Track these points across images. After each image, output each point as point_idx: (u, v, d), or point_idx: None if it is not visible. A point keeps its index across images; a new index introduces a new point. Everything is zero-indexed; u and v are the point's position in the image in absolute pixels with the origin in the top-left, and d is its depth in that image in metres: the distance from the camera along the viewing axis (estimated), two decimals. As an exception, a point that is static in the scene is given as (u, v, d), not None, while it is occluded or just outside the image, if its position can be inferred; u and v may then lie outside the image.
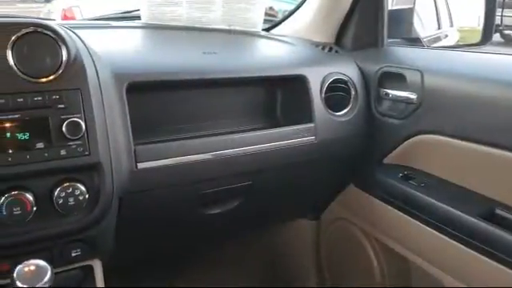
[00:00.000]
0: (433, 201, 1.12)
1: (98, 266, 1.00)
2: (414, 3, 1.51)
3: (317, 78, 1.22)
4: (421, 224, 1.15)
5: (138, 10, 1.45)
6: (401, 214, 1.22)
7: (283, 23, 1.57)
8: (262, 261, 1.83)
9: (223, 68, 1.15)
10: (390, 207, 1.26)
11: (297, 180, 1.33)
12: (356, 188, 1.41)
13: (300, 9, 1.50)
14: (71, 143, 0.86)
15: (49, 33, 0.86)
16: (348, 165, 1.38)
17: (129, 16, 1.57)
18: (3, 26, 0.85)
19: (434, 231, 1.11)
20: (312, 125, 1.20)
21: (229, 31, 1.47)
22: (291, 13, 1.54)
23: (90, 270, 0.99)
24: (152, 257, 1.52)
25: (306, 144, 1.19)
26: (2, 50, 0.83)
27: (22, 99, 0.83)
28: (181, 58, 1.17)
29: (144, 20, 1.40)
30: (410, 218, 1.19)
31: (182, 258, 1.68)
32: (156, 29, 1.41)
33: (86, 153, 0.88)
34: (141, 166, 0.98)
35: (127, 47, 1.24)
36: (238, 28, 1.47)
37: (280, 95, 1.27)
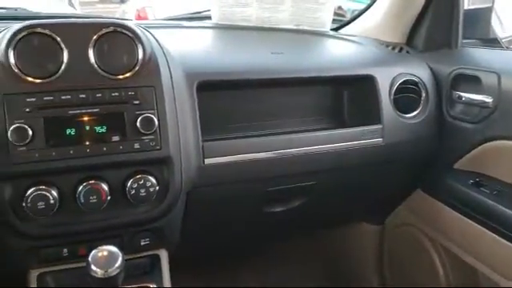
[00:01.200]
0: (506, 210, 1.06)
1: (164, 256, 1.04)
2: (493, 2, 1.44)
3: (386, 78, 1.20)
4: (492, 234, 1.10)
5: (209, 10, 1.49)
6: (471, 221, 1.17)
7: (352, 23, 1.55)
8: (321, 262, 1.82)
9: (290, 68, 1.16)
10: (459, 214, 1.21)
11: (362, 182, 1.31)
12: (423, 193, 1.36)
13: (371, 8, 1.47)
14: (144, 137, 0.90)
15: (127, 32, 0.91)
16: (416, 169, 1.34)
17: (200, 16, 1.62)
18: (86, 26, 0.92)
19: (507, 242, 1.06)
20: (380, 126, 1.17)
21: (297, 31, 1.47)
22: (361, 12, 1.52)
23: (156, 259, 1.04)
24: (215, 251, 1.55)
25: (372, 146, 1.17)
26: (84, 48, 0.88)
27: (100, 94, 0.88)
28: (249, 58, 1.19)
29: (215, 20, 1.44)
30: (480, 227, 1.13)
31: (242, 254, 1.71)
32: (226, 29, 1.44)
33: (158, 147, 0.92)
34: (208, 161, 1.01)
35: (198, 47, 1.28)
36: (306, 28, 1.47)
37: (347, 95, 1.25)
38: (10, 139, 0.82)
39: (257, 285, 1.66)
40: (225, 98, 1.13)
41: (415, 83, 1.23)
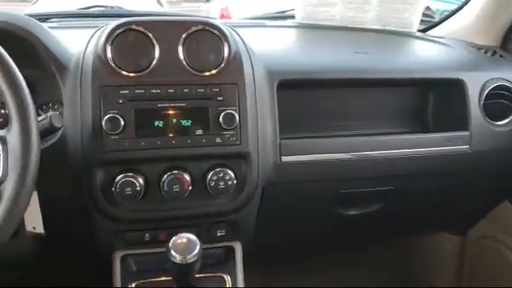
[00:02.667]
0: None
1: (238, 248, 1.07)
2: None
3: (476, 83, 1.14)
4: None
5: (293, 9, 1.50)
6: None
7: (442, 24, 1.48)
8: (393, 271, 1.76)
9: (374, 68, 1.14)
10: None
11: (444, 191, 1.25)
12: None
13: (463, 8, 1.40)
14: (225, 133, 0.93)
15: (215, 31, 0.95)
16: (504, 179, 1.26)
17: (283, 16, 1.64)
18: (176, 24, 0.96)
19: None
20: (467, 133, 1.12)
21: (382, 31, 1.44)
22: (452, 13, 1.45)
23: (231, 251, 1.07)
24: (285, 249, 1.56)
25: (458, 153, 1.11)
26: (174, 45, 0.93)
27: (187, 90, 0.93)
28: (331, 57, 1.18)
29: (298, 19, 1.45)
30: None
31: (312, 255, 1.70)
32: (309, 28, 1.44)
33: (238, 142, 0.94)
34: (284, 159, 1.02)
35: (281, 46, 1.29)
36: (391, 28, 1.43)
37: (432, 99, 1.20)
38: (104, 128, 0.88)
39: (323, 285, 1.65)
40: (305, 96, 1.14)
41: (508, 89, 1.15)
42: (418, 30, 1.48)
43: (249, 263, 1.10)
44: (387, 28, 1.44)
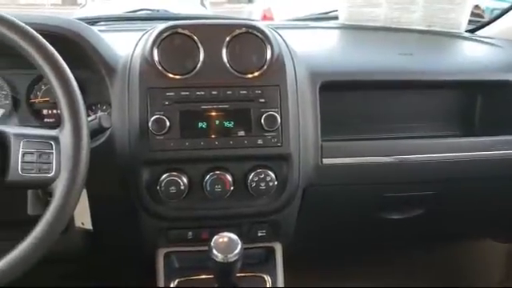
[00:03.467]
0: None
1: (279, 249, 1.08)
2: None
3: None
4: None
5: (336, 10, 1.50)
6: None
7: (492, 24, 1.43)
8: (435, 278, 1.72)
9: (418, 70, 1.12)
10: None
11: (490, 196, 1.21)
12: None
13: (515, 7, 1.35)
14: (267, 134, 0.94)
15: (258, 33, 0.96)
16: None
17: (326, 17, 1.64)
18: (221, 27, 0.98)
19: None
20: None
21: (427, 32, 1.41)
22: (504, 11, 1.40)
23: (271, 251, 1.08)
24: (325, 251, 1.55)
25: (507, 158, 1.07)
26: (218, 47, 0.95)
27: (230, 92, 0.94)
28: (375, 59, 1.17)
29: (341, 20, 1.44)
30: None
31: (351, 258, 1.68)
32: (352, 29, 1.43)
33: (279, 144, 0.95)
34: (326, 161, 1.02)
35: (323, 47, 1.29)
36: (437, 29, 1.40)
37: (480, 102, 1.17)
38: (151, 128, 0.91)
39: None
40: (347, 98, 1.13)
41: None
42: (466, 31, 1.44)
43: (289, 264, 1.11)
44: (433, 29, 1.40)
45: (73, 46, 0.96)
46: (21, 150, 0.71)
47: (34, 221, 0.71)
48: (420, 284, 1.67)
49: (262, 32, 0.96)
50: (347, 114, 1.13)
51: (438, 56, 1.26)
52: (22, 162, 0.70)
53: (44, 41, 0.74)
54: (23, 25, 0.73)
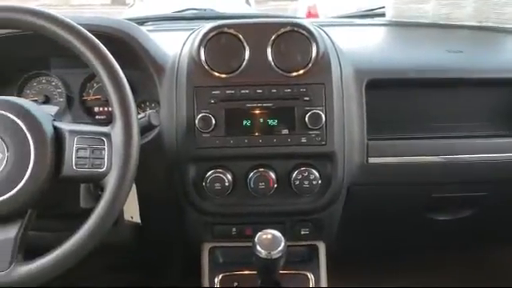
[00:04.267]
0: None
1: (322, 248, 1.08)
2: None
3: None
4: None
5: (382, 7, 1.47)
6: None
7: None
8: (485, 282, 1.66)
9: (469, 67, 1.08)
10: None
11: None
12: None
13: None
14: (311, 132, 0.95)
15: (303, 32, 0.96)
16: None
17: (372, 14, 1.61)
18: (266, 26, 0.99)
19: None
20: None
21: (478, 28, 1.36)
22: None
23: (315, 250, 1.08)
24: (368, 250, 1.54)
25: None
26: (263, 46, 0.96)
27: (275, 90, 0.95)
28: (423, 56, 1.14)
29: (388, 17, 1.42)
30: None
31: (396, 258, 1.65)
32: (399, 26, 1.41)
33: (323, 142, 0.95)
34: (371, 160, 1.01)
35: (370, 44, 1.27)
36: (490, 24, 1.35)
37: None
38: (197, 126, 0.94)
39: None
40: (394, 97, 1.11)
41: None
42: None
43: (332, 262, 1.10)
44: (484, 24, 1.35)
45: (123, 46, 0.99)
46: (75, 145, 0.74)
47: (85, 213, 0.74)
48: (463, 285, 1.62)
49: (308, 30, 0.96)
50: (393, 112, 1.11)
51: (489, 53, 1.22)
52: (76, 157, 0.74)
53: (97, 41, 0.77)
54: (78, 26, 0.76)
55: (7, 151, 0.72)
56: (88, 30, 0.77)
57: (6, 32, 0.97)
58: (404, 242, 1.41)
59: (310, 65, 0.95)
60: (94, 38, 0.77)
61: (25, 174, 0.71)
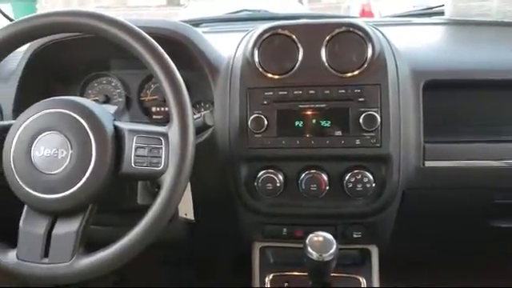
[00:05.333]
0: None
1: (375, 252, 1.06)
2: None
3: None
4: None
5: (441, 5, 1.42)
6: None
7: None
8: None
9: None
10: None
11: None
12: None
13: None
14: (365, 134, 0.93)
15: (358, 32, 0.95)
16: None
17: (430, 12, 1.56)
18: (320, 27, 0.98)
19: None
20: None
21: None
22: None
23: (367, 254, 1.06)
24: (423, 256, 1.49)
25: None
26: (317, 47, 0.95)
27: (328, 91, 0.94)
28: (484, 57, 1.09)
29: (447, 16, 1.37)
30: None
31: (453, 265, 1.60)
32: (459, 25, 1.35)
33: (378, 145, 0.93)
34: (428, 164, 0.98)
35: (428, 44, 1.23)
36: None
37: None
38: (250, 127, 0.95)
39: None
40: (453, 98, 1.07)
41: None
42: None
43: (385, 266, 1.08)
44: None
45: (180, 47, 1.02)
46: (134, 144, 0.77)
47: (142, 209, 0.77)
48: None
49: (363, 30, 0.95)
50: (451, 114, 1.07)
51: None
52: (135, 155, 0.76)
53: (155, 43, 0.79)
54: (138, 29, 0.79)
55: (71, 149, 0.75)
56: (147, 33, 0.80)
57: (71, 35, 1.02)
58: (460, 247, 1.36)
59: (366, 65, 0.94)
60: (152, 40, 0.79)
61: (87, 171, 0.74)
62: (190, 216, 1.00)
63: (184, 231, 1.09)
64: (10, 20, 1.36)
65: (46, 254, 0.77)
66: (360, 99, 0.93)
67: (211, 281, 1.53)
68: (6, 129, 0.79)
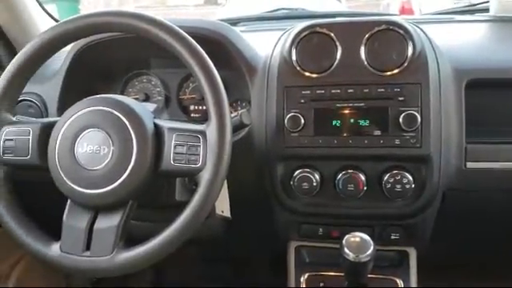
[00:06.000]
0: None
1: (413, 254, 1.04)
2: None
3: None
4: None
5: (486, 2, 1.38)
6: None
7: None
8: None
9: None
10: None
11: None
12: None
13: None
14: (405, 134, 0.91)
15: (398, 30, 0.93)
16: None
17: (474, 9, 1.51)
18: (360, 25, 0.97)
19: None
20: None
21: None
22: None
23: (405, 256, 1.04)
24: (463, 259, 1.45)
25: None
26: (356, 45, 0.94)
27: (367, 90, 0.93)
28: None
29: (492, 13, 1.32)
30: None
31: (494, 268, 1.55)
32: (505, 22, 1.31)
33: (418, 145, 0.91)
34: (470, 165, 0.95)
35: (471, 42, 1.19)
36: None
37: None
38: (286, 125, 0.95)
39: None
40: (496, 98, 1.03)
41: None
42: None
43: (423, 268, 1.06)
44: None
45: (218, 46, 1.03)
46: (173, 142, 0.78)
47: (180, 206, 0.78)
48: None
49: (404, 28, 0.93)
50: (494, 114, 1.04)
51: None
52: (174, 152, 0.77)
53: (195, 43, 0.80)
54: (178, 29, 0.81)
55: (112, 145, 0.77)
56: (186, 32, 0.81)
57: (113, 35, 1.05)
58: (499, 248, 1.32)
59: (406, 64, 0.92)
60: (192, 40, 0.80)
61: (127, 168, 0.76)
62: (227, 213, 1.01)
63: (220, 228, 1.10)
64: (55, 20, 1.40)
65: (87, 248, 0.79)
66: (400, 98, 0.92)
67: (247, 279, 1.54)
68: (52, 126, 0.82)
